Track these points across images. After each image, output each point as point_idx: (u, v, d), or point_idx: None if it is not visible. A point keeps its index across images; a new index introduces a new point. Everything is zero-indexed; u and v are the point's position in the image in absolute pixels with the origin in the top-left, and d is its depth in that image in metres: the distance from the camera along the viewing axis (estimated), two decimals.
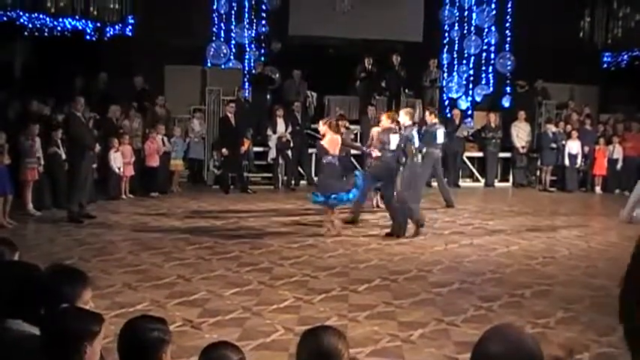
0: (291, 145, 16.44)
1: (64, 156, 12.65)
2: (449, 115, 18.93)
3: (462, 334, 6.56)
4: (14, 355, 3.16)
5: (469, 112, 20.41)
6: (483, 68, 21.22)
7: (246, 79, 19.40)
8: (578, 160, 17.43)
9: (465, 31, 21.18)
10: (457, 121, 17.68)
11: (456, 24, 21.19)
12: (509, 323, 2.46)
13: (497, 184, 18.10)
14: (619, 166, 17.14)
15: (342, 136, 14.66)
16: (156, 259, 9.26)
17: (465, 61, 21.29)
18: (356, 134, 16.69)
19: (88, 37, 18.64)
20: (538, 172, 18.11)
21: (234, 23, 20.05)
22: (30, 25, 17.43)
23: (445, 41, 21.35)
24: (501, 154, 18.20)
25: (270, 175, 16.96)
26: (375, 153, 11.70)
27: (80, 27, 18.40)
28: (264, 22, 20.51)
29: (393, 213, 11.25)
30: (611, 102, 19.84)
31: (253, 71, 19.32)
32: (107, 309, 6.68)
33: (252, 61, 20.16)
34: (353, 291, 8.00)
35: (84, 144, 11.85)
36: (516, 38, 20.43)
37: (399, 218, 11.11)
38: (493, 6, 20.79)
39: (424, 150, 11.77)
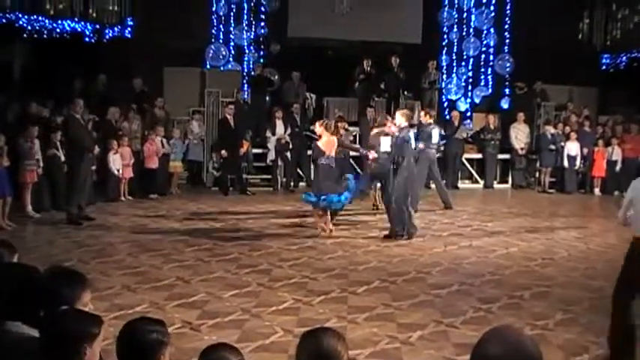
0: (290, 146, 16.44)
1: (63, 158, 12.66)
2: (448, 116, 18.95)
3: (461, 336, 6.56)
4: (13, 357, 3.17)
5: (468, 113, 20.42)
6: (482, 70, 21.23)
7: (245, 81, 19.41)
8: (577, 162, 17.43)
9: (464, 33, 21.19)
10: (456, 123, 17.68)
11: (455, 26, 21.20)
12: (508, 325, 2.46)
13: (496, 185, 18.10)
14: (618, 167, 17.15)
15: (341, 137, 14.71)
16: (155, 260, 9.26)
17: (463, 63, 21.30)
18: (355, 136, 16.70)
19: (87, 39, 18.64)
20: (537, 174, 18.12)
21: (233, 25, 20.05)
22: (29, 27, 17.43)
23: (444, 43, 21.36)
24: (500, 156, 18.20)
25: (269, 176, 16.96)
26: (372, 155, 11.74)
27: (79, 29, 18.40)
28: (263, 23, 20.52)
29: (391, 215, 11.26)
30: (610, 104, 19.85)
31: (252, 73, 19.33)
32: (106, 311, 6.68)
33: (251, 62, 20.18)
34: (352, 293, 8.00)
35: (83, 146, 11.85)
36: (515, 40, 20.43)
37: (397, 220, 11.12)
38: (492, 8, 20.79)
39: (419, 148, 11.84)
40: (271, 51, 20.29)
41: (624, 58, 20.25)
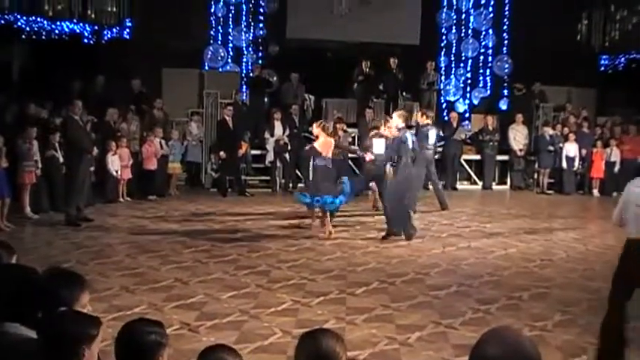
0: (289, 148, 16.44)
1: (61, 159, 12.65)
2: (446, 117, 18.96)
3: (459, 337, 6.56)
4: (12, 358, 3.16)
5: (467, 114, 20.43)
6: (481, 71, 21.25)
7: (243, 82, 19.41)
8: (576, 163, 17.45)
9: (463, 34, 21.22)
10: (455, 124, 17.71)
11: (454, 27, 21.22)
12: (506, 326, 2.47)
13: (494, 186, 18.10)
14: (616, 168, 17.15)
15: (340, 138, 14.72)
16: (153, 262, 9.26)
17: (462, 64, 21.32)
18: (353, 137, 16.70)
19: (85, 40, 18.64)
20: (535, 175, 18.13)
21: (231, 26, 20.06)
22: (27, 29, 17.42)
23: (443, 44, 21.38)
24: (499, 157, 18.21)
25: (267, 178, 16.96)
26: (369, 156, 11.77)
27: (78, 30, 18.40)
28: (261, 25, 20.54)
29: (387, 215, 11.27)
30: (608, 105, 19.87)
31: (251, 74, 19.34)
32: (104, 312, 6.68)
33: (249, 64, 20.19)
34: (351, 294, 7.99)
35: (81, 147, 11.84)
36: (514, 41, 20.45)
37: (393, 220, 11.13)
38: (491, 9, 20.80)
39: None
40: (270, 52, 20.32)
41: (623, 59, 20.27)
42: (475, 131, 18.66)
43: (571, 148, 17.36)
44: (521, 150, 17.90)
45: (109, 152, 13.86)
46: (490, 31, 20.79)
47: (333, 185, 11.20)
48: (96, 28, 18.76)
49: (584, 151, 17.45)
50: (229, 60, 19.77)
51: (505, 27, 20.87)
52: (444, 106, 20.77)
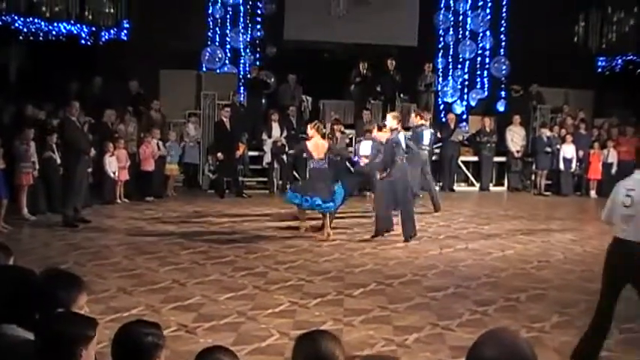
0: (286, 149, 16.44)
1: (58, 160, 12.65)
2: (444, 119, 18.97)
3: (457, 339, 6.56)
4: None
5: (464, 116, 20.45)
6: (478, 73, 21.25)
7: (241, 84, 19.41)
8: (573, 165, 17.46)
9: (460, 36, 21.21)
10: (452, 126, 17.74)
11: (451, 28, 21.21)
12: (503, 327, 2.47)
13: (492, 188, 18.10)
14: (614, 170, 17.14)
15: (338, 140, 14.75)
16: (151, 263, 9.25)
17: (459, 66, 21.32)
18: (351, 138, 16.70)
19: (83, 41, 18.62)
20: (533, 177, 18.13)
21: (229, 28, 20.06)
22: (25, 30, 17.40)
23: (440, 46, 21.38)
24: (496, 159, 18.21)
25: (265, 179, 16.95)
26: (363, 161, 11.84)
27: (75, 31, 18.39)
28: (259, 26, 20.54)
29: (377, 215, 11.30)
30: (605, 106, 19.87)
31: (248, 76, 19.33)
32: (102, 313, 6.68)
33: (247, 65, 20.18)
34: (348, 295, 8.00)
35: (79, 148, 11.83)
36: (511, 43, 20.46)
37: (380, 221, 11.17)
38: (488, 10, 20.82)
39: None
40: (267, 54, 20.32)
41: (620, 60, 20.29)
42: (472, 133, 18.67)
43: (568, 150, 17.37)
44: (518, 151, 17.91)
45: (106, 153, 13.85)
46: (487, 32, 20.80)
47: (325, 188, 11.17)
48: (93, 29, 18.75)
49: (581, 153, 17.46)
50: (227, 61, 19.77)
51: (502, 29, 20.88)
52: (441, 107, 20.76)
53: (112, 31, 19.14)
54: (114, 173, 14.00)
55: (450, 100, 20.97)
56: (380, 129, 12.12)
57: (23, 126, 12.50)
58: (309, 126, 11.97)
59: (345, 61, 20.00)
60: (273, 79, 19.05)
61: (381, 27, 19.79)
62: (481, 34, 20.88)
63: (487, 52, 20.99)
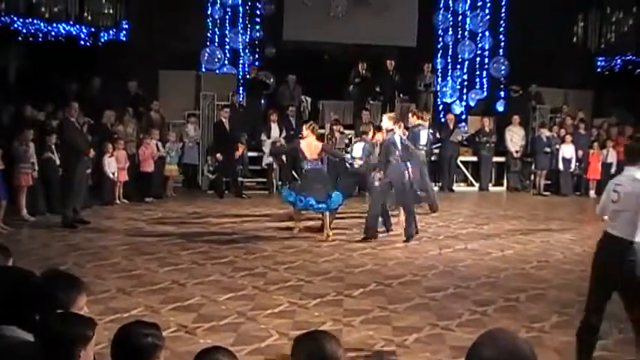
0: (286, 150, 16.41)
1: (58, 161, 12.65)
2: (443, 119, 18.98)
3: (456, 339, 6.57)
4: None
5: (463, 116, 20.44)
6: (477, 73, 21.25)
7: (240, 84, 19.40)
8: (572, 165, 17.46)
9: (459, 36, 21.21)
10: (451, 126, 17.74)
11: (450, 29, 21.20)
12: (502, 328, 2.47)
13: (491, 188, 18.11)
14: (613, 170, 17.09)
15: (337, 140, 14.76)
16: (150, 264, 9.25)
17: (459, 66, 21.31)
18: (350, 139, 16.70)
19: (82, 42, 18.62)
20: (532, 177, 18.13)
21: (228, 28, 20.06)
22: (24, 31, 17.40)
23: (439, 46, 21.38)
24: (495, 159, 18.22)
25: (264, 179, 16.95)
26: (358, 162, 11.86)
27: (74, 32, 18.39)
28: (258, 27, 20.54)
29: (368, 216, 11.32)
30: (604, 106, 19.88)
31: (248, 76, 19.33)
32: (101, 314, 6.67)
33: (246, 66, 20.17)
34: (348, 296, 8.00)
35: (78, 149, 11.83)
36: (510, 43, 20.46)
37: (371, 222, 11.15)
38: (487, 11, 20.82)
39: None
40: (266, 54, 20.31)
41: (619, 60, 20.30)
42: (472, 133, 18.67)
43: (567, 150, 17.38)
44: (517, 151, 17.91)
45: (105, 154, 13.84)
46: (486, 32, 20.80)
47: (321, 189, 11.15)
48: (92, 30, 18.75)
49: (580, 153, 17.47)
50: (226, 62, 19.76)
51: (501, 29, 20.88)
52: (440, 107, 20.77)
53: (111, 32, 19.15)
54: (113, 174, 13.99)
55: (449, 100, 20.96)
56: (379, 130, 12.14)
57: (22, 127, 12.50)
58: (304, 126, 12.00)
59: (345, 61, 19.99)
60: (272, 80, 19.05)
61: (380, 27, 19.78)
62: (480, 35, 20.88)
63: (486, 53, 20.98)
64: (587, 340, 5.81)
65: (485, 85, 21.19)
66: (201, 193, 16.09)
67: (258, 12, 20.39)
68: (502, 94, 20.55)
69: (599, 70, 20.79)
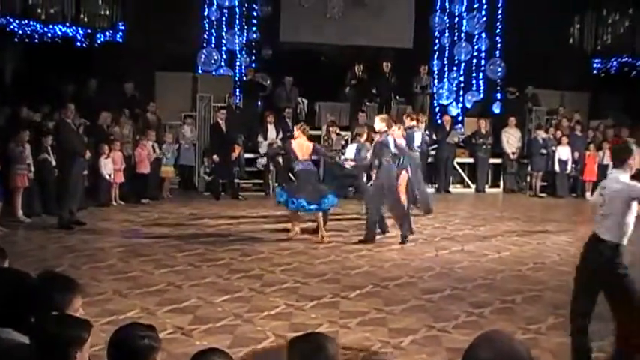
0: (282, 151, 16.42)
1: (54, 163, 12.63)
2: (439, 121, 19.01)
3: (453, 340, 6.57)
4: None
5: (459, 118, 20.46)
6: (474, 74, 21.29)
7: (237, 86, 19.40)
8: (569, 166, 17.49)
9: (456, 38, 21.25)
10: (447, 128, 17.76)
11: (447, 30, 21.26)
12: (498, 329, 2.47)
13: (487, 190, 18.13)
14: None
15: (333, 142, 14.78)
16: (146, 266, 9.24)
17: (455, 68, 21.36)
18: (347, 140, 16.70)
19: (78, 43, 18.60)
20: (528, 178, 18.16)
21: (225, 30, 20.05)
22: (20, 32, 17.37)
23: (435, 48, 21.42)
24: (492, 160, 18.24)
25: (260, 181, 16.94)
26: (349, 164, 11.88)
27: (71, 34, 18.35)
28: (255, 28, 20.55)
29: (368, 219, 11.32)
30: (601, 108, 19.92)
31: (244, 78, 19.33)
32: (97, 316, 6.66)
33: (243, 67, 20.18)
34: (344, 297, 7.99)
35: (74, 151, 11.82)
36: (507, 45, 20.50)
37: (371, 225, 11.16)
38: (483, 12, 20.85)
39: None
40: (263, 56, 20.32)
41: (615, 62, 20.34)
42: (468, 134, 18.69)
43: (564, 152, 17.40)
44: (514, 153, 17.94)
45: (101, 156, 13.82)
46: (483, 34, 20.84)
47: (313, 190, 11.15)
48: (89, 31, 18.72)
49: (576, 154, 17.50)
50: (222, 63, 19.77)
51: (498, 30, 20.92)
52: (437, 109, 20.82)
53: (107, 34, 19.13)
54: (109, 175, 13.98)
55: (445, 102, 20.99)
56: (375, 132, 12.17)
57: (18, 128, 12.49)
58: (295, 127, 12.01)
59: (341, 63, 20.00)
60: (268, 81, 19.06)
61: (377, 29, 19.82)
62: (476, 36, 20.91)
63: (482, 54, 21.02)
64: (581, 341, 5.82)
65: (482, 87, 21.22)
66: (198, 195, 16.08)
67: (254, 13, 20.41)
68: (498, 95, 20.58)
69: (595, 72, 20.82)
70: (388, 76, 18.68)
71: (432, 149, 17.42)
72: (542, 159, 17.57)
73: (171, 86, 17.66)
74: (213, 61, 19.27)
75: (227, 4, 19.79)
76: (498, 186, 18.34)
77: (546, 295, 8.39)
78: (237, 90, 19.23)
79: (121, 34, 19.27)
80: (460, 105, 21.20)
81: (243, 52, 20.50)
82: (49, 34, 17.92)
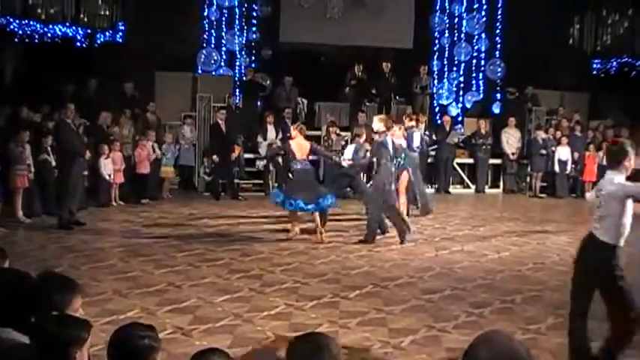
0: (282, 152, 16.41)
1: (54, 163, 12.63)
2: (439, 121, 19.01)
3: (453, 341, 6.57)
4: None
5: (459, 118, 20.47)
6: (474, 75, 21.29)
7: (236, 86, 19.40)
8: (568, 167, 17.49)
9: (456, 38, 21.25)
10: (447, 128, 17.76)
11: (447, 31, 21.26)
12: (498, 330, 2.47)
13: (487, 190, 18.13)
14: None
15: (333, 142, 14.78)
16: (146, 266, 9.23)
17: (455, 68, 21.36)
18: (346, 141, 16.70)
19: (78, 43, 18.59)
20: (528, 179, 18.17)
21: (225, 30, 20.05)
22: (20, 32, 17.37)
23: (435, 48, 21.42)
24: (492, 161, 18.24)
25: (260, 181, 16.94)
26: (346, 162, 11.89)
27: (70, 34, 18.35)
28: (254, 28, 20.55)
29: (368, 219, 11.32)
30: (600, 108, 19.92)
31: (244, 78, 19.33)
32: (97, 316, 6.66)
33: (242, 67, 20.18)
34: (344, 297, 7.99)
35: (74, 151, 11.82)
36: (506, 45, 20.50)
37: (372, 225, 11.16)
38: (483, 13, 20.85)
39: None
40: (263, 56, 20.33)
41: (615, 63, 20.34)
42: (468, 135, 18.69)
43: (563, 152, 17.41)
44: (513, 153, 17.94)
45: (101, 156, 13.82)
46: (483, 34, 20.84)
47: (310, 190, 11.14)
48: (89, 31, 18.72)
49: (576, 155, 17.50)
50: (222, 64, 19.77)
51: (498, 31, 20.92)
52: (436, 109, 20.82)
53: (107, 34, 19.13)
54: (109, 176, 13.98)
55: (445, 102, 21.00)
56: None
57: (18, 128, 12.49)
58: (292, 127, 12.02)
59: (341, 63, 20.01)
60: (268, 82, 19.06)
61: (377, 29, 19.82)
62: (476, 37, 20.92)
63: (482, 55, 21.02)
64: (580, 342, 5.83)
65: (482, 87, 21.23)
66: (198, 195, 16.08)
67: (254, 14, 20.41)
68: (498, 96, 20.59)
69: (594, 72, 20.83)
70: (388, 76, 18.68)
71: (432, 149, 17.43)
72: (542, 159, 17.57)
73: (171, 86, 17.67)
74: (213, 62, 19.27)
75: (227, 4, 19.79)
76: (498, 186, 18.34)
77: (546, 295, 8.39)
78: (237, 90, 19.23)
79: (120, 34, 19.27)
80: (460, 105, 21.20)
81: (243, 53, 20.51)
82: (49, 34, 17.92)
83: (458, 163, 18.26)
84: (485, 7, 20.87)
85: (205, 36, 19.88)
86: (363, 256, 10.16)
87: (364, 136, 12.64)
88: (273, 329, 6.77)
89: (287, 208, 11.18)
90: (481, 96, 21.13)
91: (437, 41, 21.36)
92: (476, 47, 20.97)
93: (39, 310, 3.30)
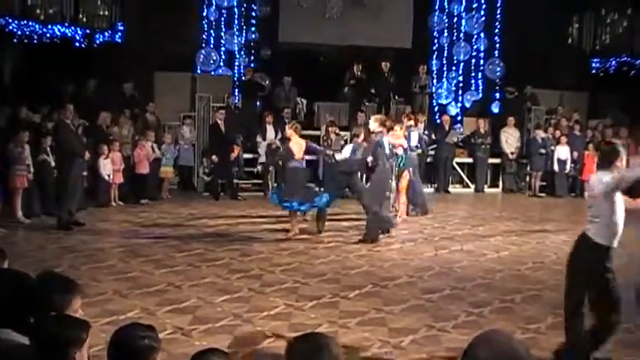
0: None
1: (53, 163, 12.62)
2: (438, 121, 19.01)
3: (452, 340, 6.57)
4: None
5: (458, 118, 20.47)
6: (473, 74, 21.28)
7: (236, 86, 19.39)
8: (568, 166, 17.49)
9: (455, 38, 21.25)
10: (447, 127, 17.76)
11: (446, 30, 21.25)
12: (497, 329, 2.47)
13: (486, 189, 18.13)
14: None
15: (333, 142, 14.78)
16: (146, 266, 9.23)
17: (454, 68, 21.35)
18: (346, 140, 16.69)
19: (77, 44, 18.58)
20: (527, 178, 18.17)
21: (224, 30, 20.04)
22: (19, 32, 17.36)
23: (434, 47, 21.41)
24: (491, 160, 18.24)
25: (260, 181, 16.94)
26: (339, 156, 11.93)
27: (69, 34, 18.34)
28: (253, 28, 20.54)
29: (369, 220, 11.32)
30: (599, 108, 19.92)
31: (243, 78, 19.33)
32: (97, 317, 6.66)
33: (242, 67, 20.18)
34: (344, 297, 8.00)
35: (73, 151, 11.81)
36: (505, 44, 20.50)
37: (371, 224, 11.16)
38: (482, 12, 20.85)
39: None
40: (262, 56, 20.32)
41: (614, 62, 20.34)
42: (467, 134, 18.69)
43: (563, 151, 17.41)
44: (513, 153, 17.95)
45: (101, 156, 13.82)
46: (482, 34, 20.84)
47: (305, 189, 11.16)
48: (88, 31, 18.70)
49: (575, 154, 17.51)
50: (221, 64, 19.76)
51: (497, 30, 20.91)
52: (436, 109, 20.81)
53: (106, 34, 19.11)
54: (108, 176, 13.98)
55: (444, 101, 21.00)
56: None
57: (18, 129, 12.49)
58: (287, 126, 12.04)
59: (340, 63, 20.01)
60: (267, 82, 19.06)
61: (376, 29, 19.81)
62: (475, 36, 20.91)
63: (481, 54, 21.01)
64: (577, 339, 5.84)
65: (481, 87, 21.23)
66: (197, 195, 16.08)
67: (253, 14, 20.40)
68: (497, 95, 20.59)
69: (594, 71, 20.82)
70: (387, 76, 18.68)
71: (431, 149, 17.43)
72: (541, 158, 17.58)
73: (170, 86, 17.66)
74: (212, 62, 19.27)
75: (226, 4, 19.78)
76: (497, 186, 18.34)
77: (545, 294, 8.39)
78: (236, 90, 19.23)
79: (120, 34, 19.26)
80: (459, 105, 21.20)
81: (242, 53, 20.50)
82: (48, 35, 17.90)
83: (457, 163, 18.27)
84: (484, 6, 20.86)
85: (204, 36, 19.88)
86: (362, 256, 10.17)
87: (362, 136, 12.63)
88: (273, 329, 6.78)
89: (283, 207, 11.23)
90: (480, 95, 21.13)
91: (436, 41, 21.35)
92: (475, 47, 20.97)
93: (38, 311, 3.30)
